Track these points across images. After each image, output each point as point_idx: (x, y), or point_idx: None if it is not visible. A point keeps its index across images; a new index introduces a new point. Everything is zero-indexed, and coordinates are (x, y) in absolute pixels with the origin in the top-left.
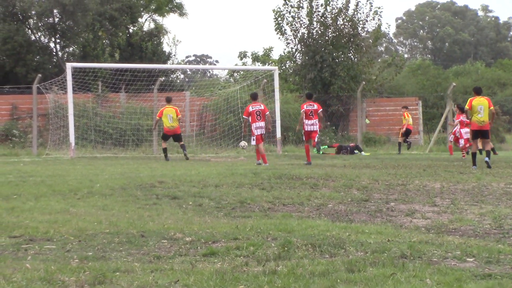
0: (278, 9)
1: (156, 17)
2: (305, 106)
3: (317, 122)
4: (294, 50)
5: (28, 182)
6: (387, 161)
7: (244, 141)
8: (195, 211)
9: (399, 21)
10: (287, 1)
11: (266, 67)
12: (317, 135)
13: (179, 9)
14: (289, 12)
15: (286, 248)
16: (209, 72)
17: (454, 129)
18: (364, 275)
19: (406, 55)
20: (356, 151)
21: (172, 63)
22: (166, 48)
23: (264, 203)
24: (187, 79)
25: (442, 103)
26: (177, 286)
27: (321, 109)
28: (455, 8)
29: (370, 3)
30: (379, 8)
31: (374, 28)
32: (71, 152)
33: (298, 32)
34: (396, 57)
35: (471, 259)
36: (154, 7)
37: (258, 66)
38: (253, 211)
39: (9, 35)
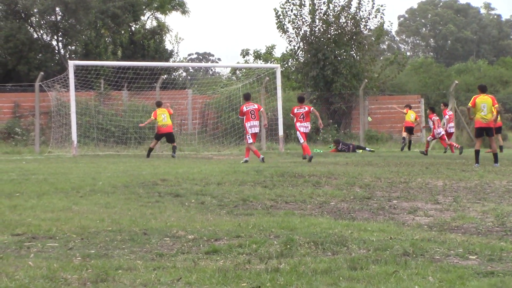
0: (282, 7)
1: (158, 15)
2: (295, 109)
3: (309, 124)
4: (296, 48)
5: (31, 180)
6: (390, 159)
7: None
8: (197, 209)
9: (402, 19)
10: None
11: (268, 65)
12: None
13: (181, 7)
14: (291, 10)
15: (288, 246)
16: (211, 70)
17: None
18: (366, 272)
19: (408, 53)
20: (357, 151)
21: (174, 61)
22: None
23: (267, 201)
24: (189, 77)
25: (444, 101)
26: (180, 284)
27: (312, 108)
28: (457, 6)
29: (373, 0)
30: (381, 6)
31: (376, 26)
32: (74, 150)
33: (300, 30)
34: (398, 55)
35: (474, 257)
36: (156, 5)
37: (260, 64)
38: (256, 209)
39: (11, 33)
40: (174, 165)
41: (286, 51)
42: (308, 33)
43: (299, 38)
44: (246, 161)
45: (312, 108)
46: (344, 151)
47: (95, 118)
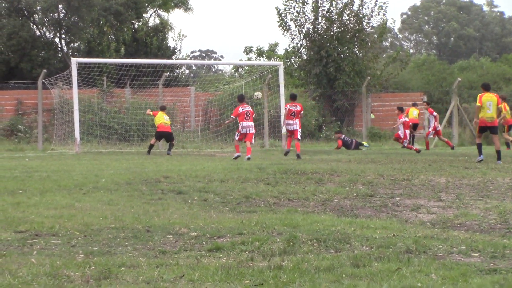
0: (284, 4)
1: (161, 12)
2: (288, 106)
3: (298, 122)
4: (299, 45)
5: (34, 177)
6: (392, 156)
7: (258, 92)
8: (200, 206)
9: (404, 16)
10: None
11: (271, 62)
12: (299, 132)
13: (184, 4)
14: (294, 8)
15: (291, 243)
16: (214, 67)
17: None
18: (369, 270)
19: (411, 50)
20: (360, 147)
21: (177, 59)
22: (171, 43)
23: (269, 198)
24: (192, 75)
25: (447, 98)
26: (182, 281)
27: (303, 111)
28: (460, 3)
29: None
30: (384, 3)
31: (379, 23)
32: (76, 147)
33: (303, 27)
34: (400, 52)
35: (476, 254)
36: (159, 2)
37: (263, 61)
38: (259, 206)
39: (14, 30)
40: (177, 162)
41: (289, 47)
42: (311, 30)
43: (301, 36)
44: (237, 157)
45: (302, 112)
46: (347, 143)
47: (98, 116)
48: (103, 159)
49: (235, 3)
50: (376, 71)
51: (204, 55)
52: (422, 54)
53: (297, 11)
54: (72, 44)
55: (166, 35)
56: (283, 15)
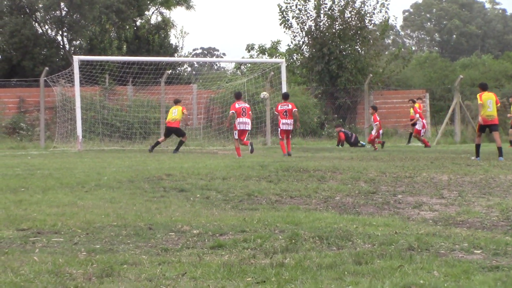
0: (286, 2)
1: (163, 10)
2: (279, 106)
3: (292, 122)
4: (301, 42)
5: (36, 175)
6: (395, 154)
7: (265, 92)
8: (202, 204)
9: (406, 13)
10: None
11: (273, 59)
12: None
13: (186, 2)
14: (296, 5)
15: (293, 241)
16: (216, 65)
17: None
18: (371, 267)
19: (413, 48)
20: (363, 142)
21: (179, 56)
22: (173, 41)
23: (272, 195)
24: (194, 72)
25: (449, 95)
26: (185, 279)
27: (296, 109)
28: (462, 0)
29: None
30: (386, 0)
31: (381, 20)
32: (79, 145)
33: (305, 25)
34: (402, 49)
35: (479, 251)
36: (161, 0)
37: (266, 58)
38: (261, 203)
39: (16, 28)
40: (179, 160)
41: (291, 45)
42: (312, 28)
43: (303, 33)
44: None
45: (295, 109)
46: (348, 135)
47: (100, 113)
48: (105, 157)
49: (237, 1)
50: (378, 68)
51: (206, 52)
52: (424, 51)
53: (299, 9)
54: (74, 42)
55: (168, 33)
56: (285, 12)
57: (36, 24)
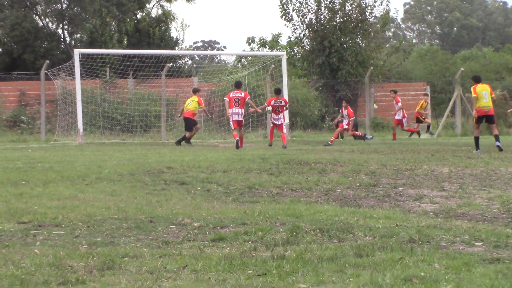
0: None
1: (163, 2)
2: (272, 101)
3: (282, 116)
4: (302, 35)
5: (37, 168)
6: (395, 146)
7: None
8: (203, 197)
9: (407, 6)
10: None
11: (274, 52)
12: (284, 125)
13: None
14: None
15: (294, 233)
16: (217, 57)
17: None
18: (372, 259)
19: (414, 40)
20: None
21: (180, 49)
22: (174, 33)
23: (273, 188)
24: (195, 65)
25: (450, 88)
26: (186, 271)
27: (287, 104)
28: None
29: None
30: None
31: (382, 13)
32: (79, 138)
33: (306, 18)
34: (403, 42)
35: (480, 244)
36: None
37: (266, 51)
38: (262, 196)
39: (17, 21)
40: (180, 153)
41: (292, 38)
42: (313, 20)
43: (304, 26)
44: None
45: (286, 106)
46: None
47: (101, 106)
48: (106, 150)
49: None
50: (379, 61)
51: (207, 45)
52: (425, 44)
53: (299, 1)
54: (74, 35)
55: (169, 26)
56: (285, 5)
57: (37, 17)
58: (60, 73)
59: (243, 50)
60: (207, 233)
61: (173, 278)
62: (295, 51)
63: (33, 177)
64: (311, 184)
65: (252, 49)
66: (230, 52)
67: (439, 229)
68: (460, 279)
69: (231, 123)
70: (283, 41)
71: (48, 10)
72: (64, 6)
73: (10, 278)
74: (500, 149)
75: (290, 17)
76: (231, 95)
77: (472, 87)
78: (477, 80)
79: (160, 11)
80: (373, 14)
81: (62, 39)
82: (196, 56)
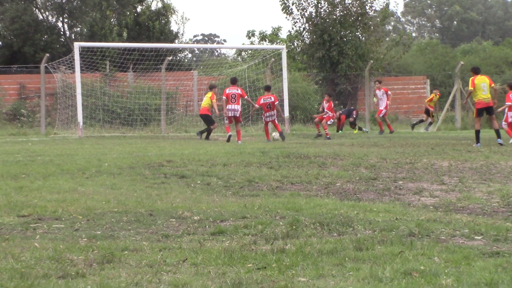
0: None
1: None
2: (261, 100)
3: (274, 112)
4: (302, 29)
5: (37, 161)
6: (395, 140)
7: (276, 133)
8: (203, 190)
9: None
10: None
11: (274, 46)
12: (276, 119)
13: None
14: None
15: (294, 227)
16: (217, 51)
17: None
18: (372, 253)
19: (414, 34)
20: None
21: (180, 42)
22: (174, 27)
23: (272, 182)
24: (195, 59)
25: (450, 81)
26: (186, 265)
27: (278, 101)
28: None
29: None
30: None
31: (382, 7)
32: (79, 131)
33: (306, 11)
34: (404, 36)
35: (479, 237)
36: None
37: (266, 45)
38: (261, 190)
39: (17, 14)
40: (180, 146)
41: (292, 31)
42: (313, 14)
43: (304, 19)
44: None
45: (278, 101)
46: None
47: (100, 100)
48: (106, 143)
49: None
50: (379, 55)
51: (206, 39)
52: (425, 37)
53: None
54: (74, 28)
55: (169, 19)
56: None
57: (37, 10)
58: (60, 67)
59: (243, 44)
60: (207, 226)
61: (173, 272)
62: (295, 45)
63: (33, 171)
64: (311, 178)
65: (252, 43)
66: (230, 46)
67: (439, 223)
68: (459, 273)
69: (227, 119)
70: (283, 34)
71: (48, 3)
72: None
73: (10, 271)
74: (501, 145)
75: (290, 11)
76: (227, 91)
77: (470, 79)
78: (476, 71)
79: (160, 4)
80: (373, 8)
81: (62, 32)
82: (196, 49)
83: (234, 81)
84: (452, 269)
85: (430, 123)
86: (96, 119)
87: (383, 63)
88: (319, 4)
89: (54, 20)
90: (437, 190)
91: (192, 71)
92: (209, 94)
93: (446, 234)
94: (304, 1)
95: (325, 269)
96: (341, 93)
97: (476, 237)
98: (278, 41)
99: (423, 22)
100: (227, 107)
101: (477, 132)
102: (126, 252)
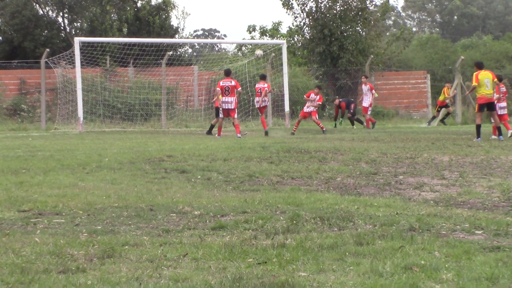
0: None
1: None
2: (221, 82)
3: (266, 99)
4: (302, 24)
5: (37, 156)
6: (396, 135)
7: (259, 50)
8: (203, 185)
9: None
10: None
11: (275, 41)
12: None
13: None
14: None
15: (294, 222)
16: (217, 46)
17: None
18: (372, 248)
19: (414, 29)
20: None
21: (180, 37)
22: (174, 22)
23: (273, 176)
24: (195, 53)
25: (450, 76)
26: (186, 260)
27: (267, 89)
28: None
29: None
30: None
31: (382, 1)
32: (80, 126)
33: (306, 6)
34: (404, 31)
35: (480, 232)
36: None
37: (267, 40)
38: (262, 184)
39: (17, 9)
40: (180, 141)
41: (292, 26)
42: (313, 9)
43: (304, 14)
44: (243, 135)
45: (267, 89)
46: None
47: (101, 95)
48: (106, 138)
49: None
50: (379, 49)
51: (207, 34)
52: (425, 32)
53: None
54: (74, 23)
55: (169, 14)
56: None
57: (37, 5)
58: (61, 62)
59: (244, 39)
60: (207, 221)
61: (174, 267)
62: (296, 40)
63: (34, 166)
64: (312, 173)
65: (252, 38)
66: (231, 41)
67: (439, 218)
68: (460, 267)
69: (221, 111)
70: (284, 29)
71: None
72: None
73: (10, 266)
74: (501, 140)
75: (291, 5)
76: (221, 83)
77: (474, 74)
78: (479, 66)
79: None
80: (373, 3)
81: (62, 27)
82: (196, 44)
83: (228, 73)
84: (453, 263)
85: (433, 117)
86: (96, 114)
87: (384, 58)
88: None
89: (54, 15)
90: (438, 185)
91: (192, 66)
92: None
93: (447, 228)
94: None
95: (325, 264)
96: (341, 88)
97: (476, 232)
98: (279, 36)
99: (424, 17)
100: (222, 100)
101: (478, 127)
102: (126, 247)
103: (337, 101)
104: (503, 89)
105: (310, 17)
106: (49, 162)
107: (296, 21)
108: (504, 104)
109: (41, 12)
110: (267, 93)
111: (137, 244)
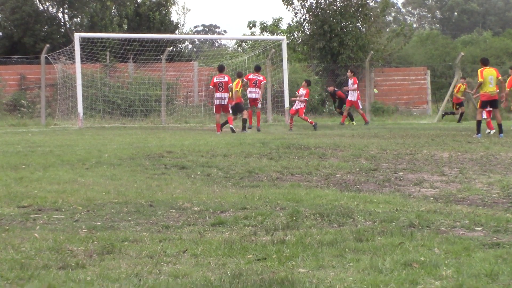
0: None
1: None
2: (214, 79)
3: (258, 90)
4: (302, 20)
5: (37, 152)
6: (396, 131)
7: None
8: (203, 181)
9: None
10: None
11: (275, 37)
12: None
13: None
14: None
15: (294, 218)
16: (217, 42)
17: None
18: (372, 244)
19: (414, 25)
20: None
21: (180, 33)
22: (174, 18)
23: (273, 172)
24: (195, 49)
25: (450, 72)
26: (186, 256)
27: (263, 82)
28: None
29: None
30: None
31: None
32: (79, 122)
33: (306, 2)
34: (405, 27)
35: (479, 228)
36: None
37: (267, 36)
38: (262, 180)
39: (17, 5)
40: (180, 137)
41: (292, 22)
42: (314, 5)
43: (305, 10)
44: (241, 130)
45: (263, 82)
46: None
47: (101, 91)
48: (106, 134)
49: None
50: (380, 45)
51: (207, 29)
52: (425, 28)
53: None
54: (75, 19)
55: (169, 10)
56: None
57: (37, 1)
58: (60, 57)
59: (244, 35)
60: (207, 217)
61: (173, 263)
62: (296, 36)
63: (33, 161)
64: (311, 169)
65: (252, 34)
66: (231, 37)
67: (439, 214)
68: (460, 264)
69: (214, 108)
70: (284, 25)
71: None
72: None
73: (10, 262)
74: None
75: (291, 1)
76: (215, 80)
77: (479, 70)
78: (485, 63)
79: None
80: None
81: (62, 23)
82: (196, 40)
83: (221, 69)
84: (452, 260)
85: (462, 114)
86: (96, 109)
87: (384, 54)
88: None
89: (54, 11)
90: (437, 181)
91: (192, 62)
92: (236, 81)
93: (446, 225)
94: None
95: (325, 260)
96: (341, 84)
97: (476, 228)
98: (279, 32)
99: (424, 13)
100: (215, 96)
101: (478, 123)
102: (126, 243)
103: (331, 88)
104: None
105: (310, 13)
106: (49, 157)
107: (296, 17)
108: None
109: (41, 7)
110: (264, 86)
111: (137, 240)
